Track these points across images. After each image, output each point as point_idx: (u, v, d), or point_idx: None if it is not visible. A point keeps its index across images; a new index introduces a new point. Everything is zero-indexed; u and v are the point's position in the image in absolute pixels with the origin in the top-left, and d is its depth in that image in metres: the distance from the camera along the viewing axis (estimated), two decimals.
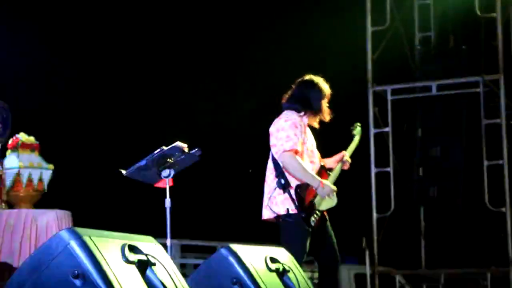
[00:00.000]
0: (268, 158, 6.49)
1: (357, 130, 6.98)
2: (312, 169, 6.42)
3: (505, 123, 11.36)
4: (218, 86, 12.75)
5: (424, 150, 11.68)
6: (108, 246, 3.82)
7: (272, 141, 6.41)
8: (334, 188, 6.40)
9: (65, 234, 3.75)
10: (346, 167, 6.79)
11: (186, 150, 6.24)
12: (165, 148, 6.19)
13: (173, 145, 6.21)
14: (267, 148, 6.60)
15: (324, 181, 6.36)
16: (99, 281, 3.61)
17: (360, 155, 6.99)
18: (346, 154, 6.80)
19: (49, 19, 11.19)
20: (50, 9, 11.41)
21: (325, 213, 6.47)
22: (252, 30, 12.71)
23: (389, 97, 11.74)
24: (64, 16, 11.59)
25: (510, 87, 11.55)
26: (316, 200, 6.33)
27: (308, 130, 6.55)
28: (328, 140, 6.90)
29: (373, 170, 11.66)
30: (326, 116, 6.63)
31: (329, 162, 6.73)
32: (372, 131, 11.60)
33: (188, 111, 12.35)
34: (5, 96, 9.50)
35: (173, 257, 5.24)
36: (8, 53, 10.94)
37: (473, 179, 11.33)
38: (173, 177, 6.25)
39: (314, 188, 6.31)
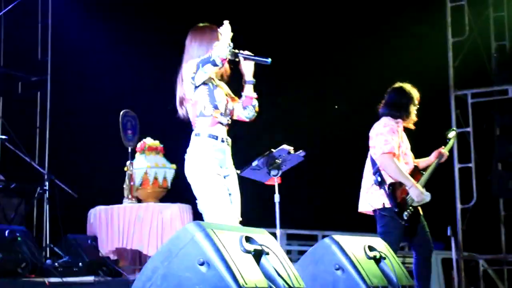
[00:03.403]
0: (366, 157, 6.46)
1: (452, 134, 6.99)
2: (406, 170, 6.37)
3: None
4: (313, 93, 12.68)
5: (502, 147, 11.45)
6: (228, 238, 3.84)
7: (372, 143, 6.37)
8: (423, 192, 6.34)
9: (191, 227, 3.79)
10: (444, 159, 6.75)
11: (292, 151, 6.25)
12: (273, 150, 6.21)
13: (281, 147, 6.22)
14: (358, 147, 6.56)
15: (416, 183, 6.33)
16: (222, 267, 3.63)
17: None
18: (444, 149, 6.77)
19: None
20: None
21: (419, 208, 6.42)
22: (343, 41, 12.59)
23: (470, 100, 11.55)
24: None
25: None
26: (409, 197, 6.27)
27: (403, 133, 6.49)
28: (417, 140, 6.84)
29: (457, 166, 11.48)
30: (413, 119, 6.57)
31: (423, 162, 6.67)
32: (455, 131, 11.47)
33: (288, 116, 12.32)
34: (133, 107, 9.67)
35: (280, 245, 5.24)
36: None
37: None
38: (281, 175, 6.27)
39: (407, 188, 6.26)
